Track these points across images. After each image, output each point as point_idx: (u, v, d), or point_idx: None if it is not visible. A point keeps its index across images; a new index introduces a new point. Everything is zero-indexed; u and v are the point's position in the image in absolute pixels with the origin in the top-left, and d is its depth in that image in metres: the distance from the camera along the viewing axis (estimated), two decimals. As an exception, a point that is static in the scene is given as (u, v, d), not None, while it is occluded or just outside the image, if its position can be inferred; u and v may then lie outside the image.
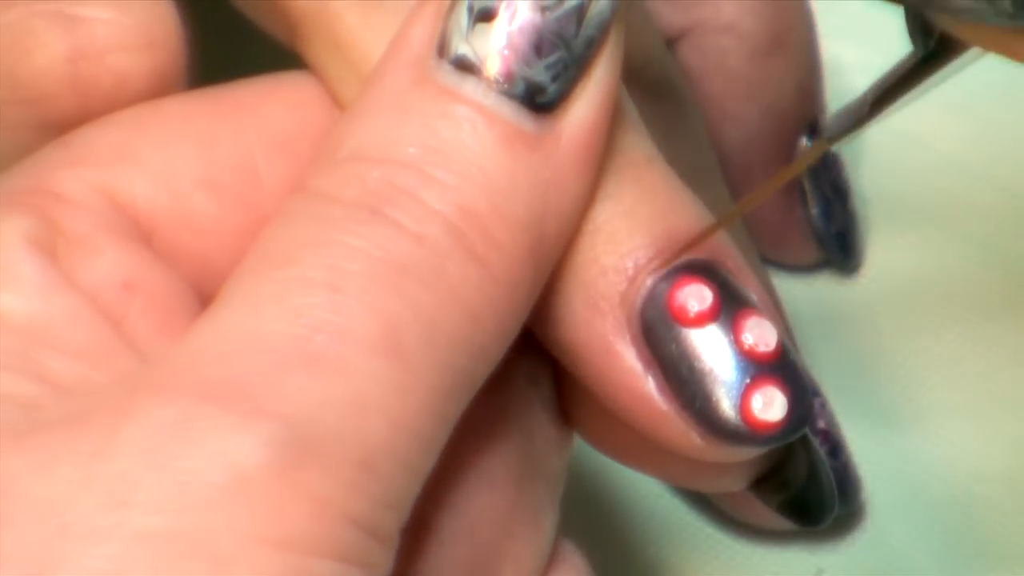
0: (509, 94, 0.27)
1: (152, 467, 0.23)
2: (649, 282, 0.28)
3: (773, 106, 0.42)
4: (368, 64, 0.28)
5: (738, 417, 0.28)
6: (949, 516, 0.39)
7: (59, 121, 0.29)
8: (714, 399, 0.28)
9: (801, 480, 0.30)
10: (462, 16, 0.27)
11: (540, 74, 0.27)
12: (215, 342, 0.25)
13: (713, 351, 0.28)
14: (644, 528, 0.39)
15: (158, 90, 0.29)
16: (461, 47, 0.27)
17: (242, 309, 0.25)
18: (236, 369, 0.24)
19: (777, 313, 0.29)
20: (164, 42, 0.29)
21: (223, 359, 0.25)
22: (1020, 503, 0.39)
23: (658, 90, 0.39)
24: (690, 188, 0.29)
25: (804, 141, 0.42)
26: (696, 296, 0.28)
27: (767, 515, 0.34)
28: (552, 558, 0.30)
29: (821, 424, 0.38)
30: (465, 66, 0.27)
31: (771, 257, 0.43)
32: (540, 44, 0.27)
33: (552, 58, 0.27)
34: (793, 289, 0.43)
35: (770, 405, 0.28)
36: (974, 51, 0.27)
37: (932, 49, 0.28)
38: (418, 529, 0.27)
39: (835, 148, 0.30)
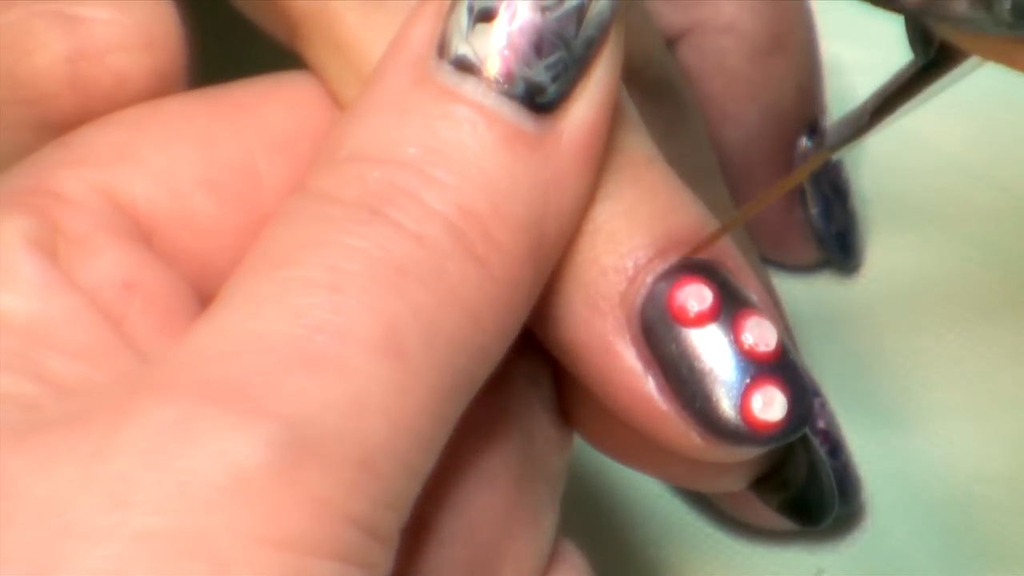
0: (509, 94, 0.27)
1: (152, 467, 0.23)
2: (649, 282, 0.28)
3: (773, 106, 0.42)
4: (368, 64, 0.28)
5: (738, 417, 0.28)
6: (949, 516, 0.39)
7: (59, 121, 0.29)
8: (714, 399, 0.28)
9: (801, 480, 0.30)
10: (462, 16, 0.27)
11: (540, 74, 0.27)
12: (215, 342, 0.25)
13: (713, 351, 0.28)
14: (644, 528, 0.39)
15: (158, 90, 0.29)
16: (461, 47, 0.27)
17: (242, 309, 0.25)
18: (236, 369, 0.24)
19: (777, 313, 0.29)
20: (164, 42, 0.29)
21: (223, 359, 0.25)
22: (1020, 503, 0.39)
23: (658, 90, 0.39)
24: (690, 188, 0.29)
25: (804, 141, 0.42)
26: (696, 296, 0.28)
27: (767, 515, 0.34)
28: (552, 558, 0.30)
29: (821, 424, 0.38)
30: (465, 66, 0.27)
31: (771, 257, 0.44)
32: (540, 44, 0.27)
33: (552, 58, 0.27)
34: (793, 289, 0.43)
35: (770, 405, 0.28)
36: (974, 60, 0.27)
37: (932, 58, 0.28)
38: (418, 529, 0.27)
39: (836, 156, 0.30)
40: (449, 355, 0.26)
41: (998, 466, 0.40)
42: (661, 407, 0.28)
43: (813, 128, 0.42)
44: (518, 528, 0.29)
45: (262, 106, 0.30)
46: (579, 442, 0.31)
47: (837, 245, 0.43)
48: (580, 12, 0.27)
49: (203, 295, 0.28)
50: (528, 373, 0.30)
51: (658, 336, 0.28)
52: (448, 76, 0.27)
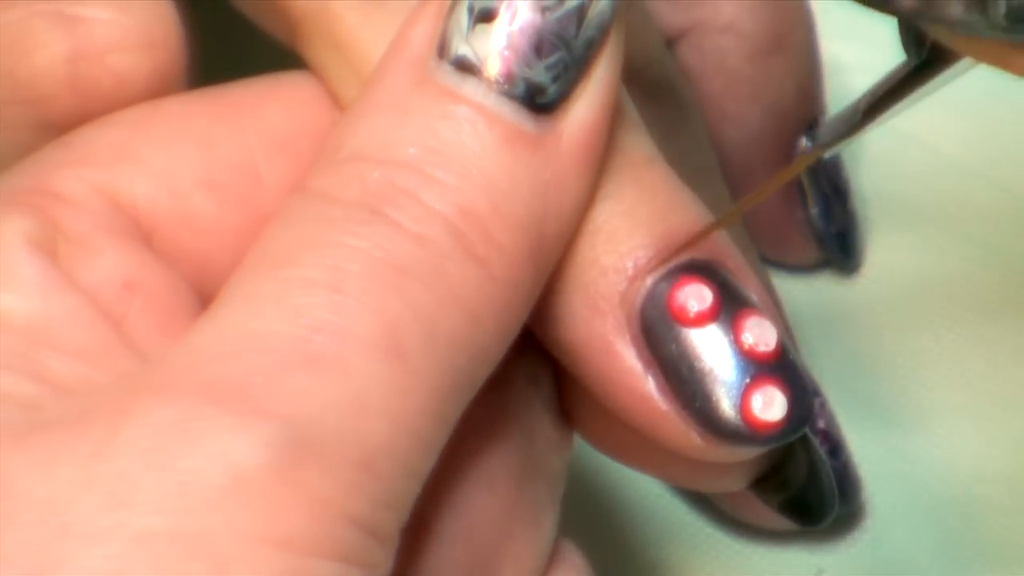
0: (509, 95, 0.27)
1: (152, 467, 0.23)
2: (649, 282, 0.28)
3: (773, 106, 0.42)
4: (368, 64, 0.28)
5: (738, 417, 0.28)
6: (949, 516, 0.39)
7: (59, 121, 0.29)
8: (714, 399, 0.28)
9: (801, 480, 0.30)
10: (462, 17, 0.27)
11: (540, 75, 0.27)
12: (215, 342, 0.25)
13: (713, 351, 0.28)
14: (644, 528, 0.39)
15: (158, 90, 0.29)
16: (461, 48, 0.27)
17: (242, 309, 0.25)
18: (236, 369, 0.24)
19: (777, 313, 0.29)
20: (164, 42, 0.29)
21: (223, 359, 0.25)
22: (1020, 503, 0.39)
23: (658, 91, 0.39)
24: (690, 188, 0.29)
25: (804, 141, 0.42)
26: (696, 296, 0.28)
27: (767, 515, 0.34)
28: (552, 558, 0.30)
29: (821, 424, 0.38)
30: (465, 67, 0.27)
31: (771, 257, 0.43)
32: (540, 45, 0.27)
33: (552, 59, 0.27)
34: (793, 289, 0.43)
35: (770, 405, 0.28)
36: (966, 61, 0.27)
37: (925, 58, 0.28)
38: (418, 529, 0.27)
39: (828, 155, 0.30)
40: (449, 355, 0.26)
41: (998, 466, 0.40)
42: (661, 407, 0.28)
43: (813, 128, 0.42)
44: (518, 528, 0.29)
45: (262, 106, 0.30)
46: (579, 442, 0.31)
47: (837, 245, 0.43)
48: (580, 12, 0.27)
49: (203, 295, 0.28)
50: (528, 373, 0.30)
51: (658, 336, 0.28)
52: (448, 76, 0.27)
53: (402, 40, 0.27)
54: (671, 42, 0.42)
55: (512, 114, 0.27)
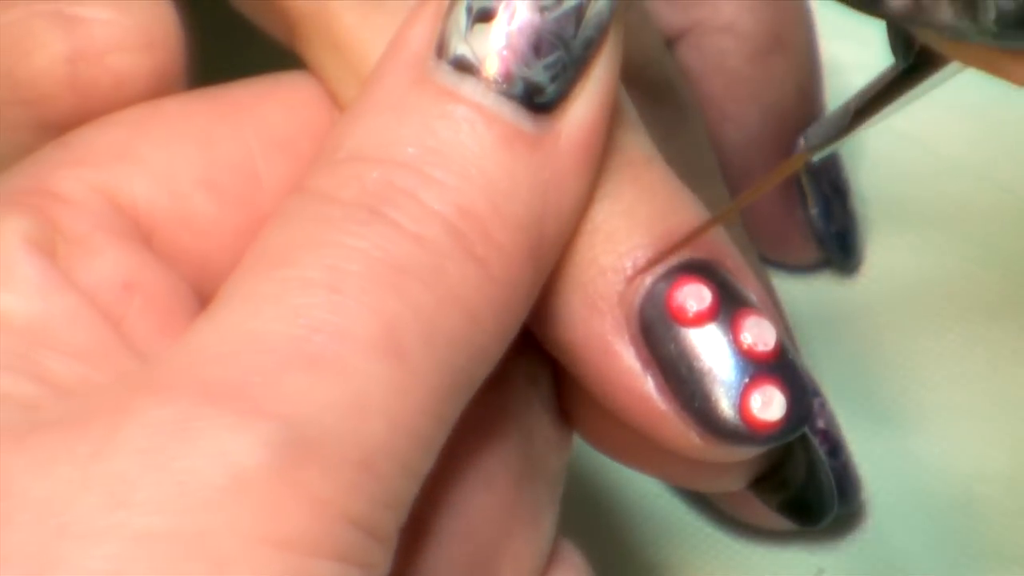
0: (508, 94, 0.27)
1: (151, 467, 0.23)
2: (648, 282, 0.28)
3: (773, 106, 0.42)
4: (367, 64, 0.28)
5: (737, 417, 0.28)
6: (949, 516, 0.39)
7: (58, 122, 0.29)
8: (713, 399, 0.28)
9: (800, 480, 0.30)
10: (461, 16, 0.27)
11: (539, 74, 0.27)
12: (214, 342, 0.25)
13: (712, 351, 0.28)
14: (644, 528, 0.39)
15: (158, 90, 0.29)
16: (460, 47, 0.27)
17: (241, 309, 0.25)
18: (235, 369, 0.24)
19: (777, 313, 0.29)
20: (164, 42, 0.29)
21: (222, 359, 0.25)
22: (1020, 503, 0.39)
23: (657, 91, 0.39)
24: (689, 188, 0.29)
25: (803, 142, 0.42)
26: (695, 296, 0.28)
27: (767, 515, 0.34)
28: (552, 558, 0.30)
29: (821, 424, 0.38)
30: (464, 66, 0.27)
31: (771, 257, 0.43)
32: (539, 44, 0.27)
33: (551, 58, 0.27)
34: (793, 289, 0.43)
35: (769, 404, 0.28)
36: (955, 64, 0.27)
37: (913, 62, 0.28)
38: (417, 529, 0.27)
39: (818, 157, 0.30)
40: (448, 355, 0.26)
41: (998, 466, 0.40)
42: (660, 407, 0.28)
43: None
44: (517, 527, 0.29)
45: (262, 106, 0.30)
46: (579, 442, 0.31)
47: (837, 245, 0.43)
48: (579, 12, 0.27)
49: (203, 295, 0.28)
50: (527, 373, 0.30)
51: (657, 336, 0.28)
52: (447, 76, 0.27)
53: (401, 40, 0.27)
54: (671, 42, 0.42)
55: (511, 114, 0.27)
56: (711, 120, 0.42)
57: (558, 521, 0.30)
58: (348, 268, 0.25)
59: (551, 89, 0.27)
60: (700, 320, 0.28)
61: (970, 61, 0.26)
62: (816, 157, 0.30)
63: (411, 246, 0.26)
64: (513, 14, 0.27)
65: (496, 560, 0.28)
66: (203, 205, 0.29)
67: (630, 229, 0.28)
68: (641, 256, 0.28)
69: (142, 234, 0.28)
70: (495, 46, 0.27)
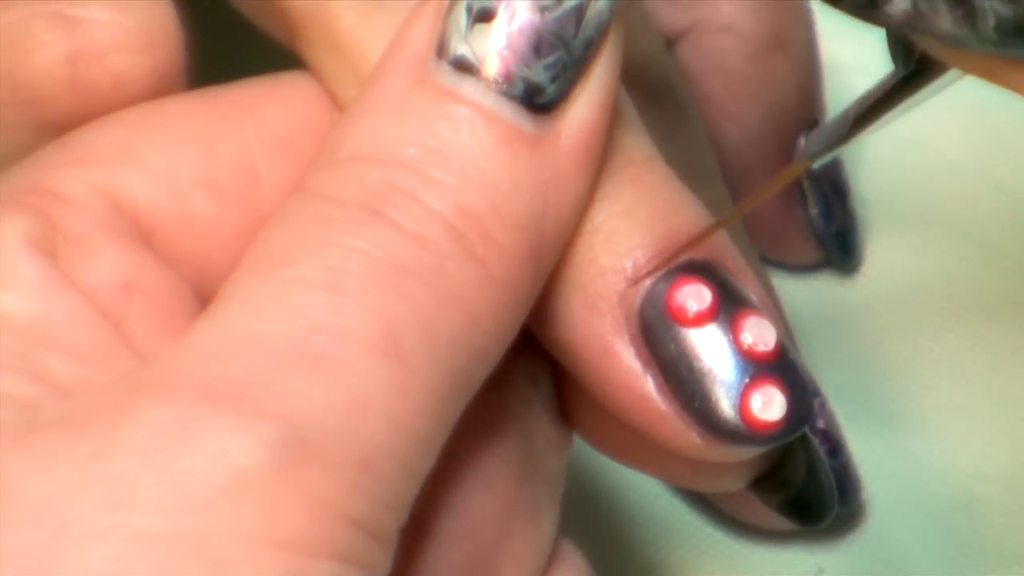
0: (508, 94, 0.27)
1: (151, 467, 0.23)
2: (648, 282, 0.28)
3: (773, 107, 0.42)
4: (367, 65, 0.28)
5: (737, 417, 0.28)
6: (949, 516, 0.39)
7: (58, 122, 0.29)
8: (713, 399, 0.28)
9: (801, 480, 0.30)
10: (461, 17, 0.27)
11: (539, 75, 0.27)
12: (214, 342, 0.25)
13: (712, 351, 0.28)
14: (644, 528, 0.39)
15: (158, 90, 0.29)
16: (460, 48, 0.27)
17: (241, 309, 0.25)
18: (235, 369, 0.24)
19: (777, 313, 0.29)
20: (164, 42, 0.29)
21: (222, 359, 0.25)
22: (1020, 503, 0.39)
23: (657, 91, 0.39)
24: (690, 188, 0.29)
25: (803, 142, 0.42)
26: (695, 296, 0.28)
27: (767, 515, 0.34)
28: (552, 557, 0.30)
29: (821, 424, 0.38)
30: (464, 66, 0.27)
31: (771, 257, 0.43)
32: (539, 45, 0.27)
33: (551, 59, 0.27)
34: (793, 289, 0.43)
35: (769, 405, 0.28)
36: (954, 71, 0.27)
37: (913, 69, 0.28)
38: (417, 529, 0.27)
39: (818, 165, 0.30)
40: (449, 356, 0.26)
41: (998, 466, 0.40)
42: (660, 407, 0.28)
43: (813, 129, 0.42)
44: (517, 527, 0.29)
45: (262, 106, 0.30)
46: (579, 442, 0.31)
47: (837, 245, 0.43)
48: (579, 12, 0.27)
49: (203, 295, 0.28)
50: (527, 373, 0.30)
51: (657, 336, 0.28)
52: (447, 76, 0.27)
53: (401, 40, 0.27)
54: (671, 42, 0.42)
55: (511, 114, 0.27)
56: (711, 120, 0.41)
57: (558, 521, 0.30)
58: (348, 268, 0.25)
59: (551, 89, 0.27)
60: (700, 320, 0.28)
61: (970, 69, 0.26)
62: (816, 164, 0.30)
63: (411, 246, 0.26)
64: (513, 14, 0.27)
65: (496, 560, 0.28)
66: (203, 205, 0.29)
67: (630, 229, 0.28)
68: (641, 256, 0.28)
69: (142, 234, 0.28)
70: (495, 46, 0.27)
